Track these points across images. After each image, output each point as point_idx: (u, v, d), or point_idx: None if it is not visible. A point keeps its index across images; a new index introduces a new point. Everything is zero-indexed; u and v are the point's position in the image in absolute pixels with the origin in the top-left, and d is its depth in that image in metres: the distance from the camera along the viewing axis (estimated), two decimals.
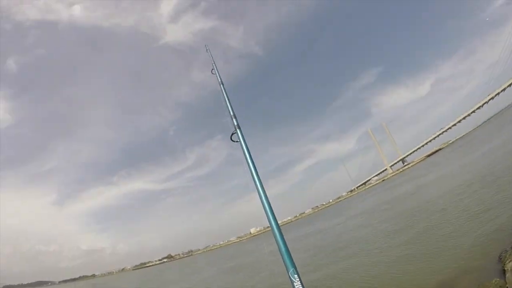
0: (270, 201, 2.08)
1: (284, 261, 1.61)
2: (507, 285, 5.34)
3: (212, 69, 3.88)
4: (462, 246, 9.46)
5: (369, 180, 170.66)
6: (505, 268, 6.20)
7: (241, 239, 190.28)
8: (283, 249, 1.64)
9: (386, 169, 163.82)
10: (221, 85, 3.45)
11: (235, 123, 2.64)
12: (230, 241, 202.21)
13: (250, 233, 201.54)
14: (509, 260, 6.23)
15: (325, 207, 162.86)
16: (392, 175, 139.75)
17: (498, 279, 5.99)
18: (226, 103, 3.08)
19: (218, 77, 3.68)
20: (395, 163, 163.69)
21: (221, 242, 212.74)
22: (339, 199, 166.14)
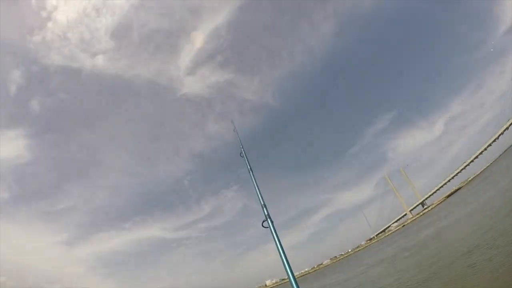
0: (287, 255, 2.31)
1: None
2: None
3: (241, 153, 3.94)
4: None
5: (388, 227, 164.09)
6: None
7: None
8: None
9: (405, 214, 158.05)
10: (250, 172, 3.48)
11: (266, 213, 3.07)
12: None
13: (266, 285, 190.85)
14: None
15: (344, 257, 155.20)
16: (412, 220, 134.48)
17: None
18: (257, 192, 3.23)
19: (246, 162, 3.70)
20: (415, 207, 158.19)
21: None
22: (358, 249, 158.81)
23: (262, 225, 2.73)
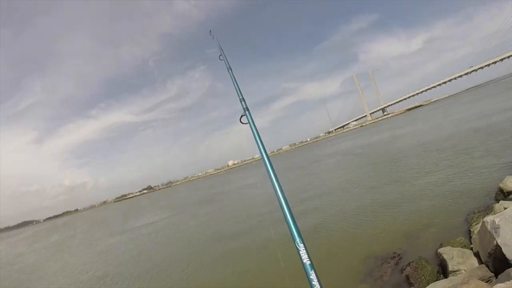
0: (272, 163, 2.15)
1: (290, 231, 1.67)
2: (471, 246, 5.65)
3: (220, 55, 4.00)
4: (430, 201, 9.88)
5: (347, 124, 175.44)
6: (471, 230, 6.52)
7: (218, 171, 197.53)
8: (290, 220, 1.69)
9: (365, 116, 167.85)
10: (230, 71, 3.61)
11: (244, 106, 2.77)
12: (208, 172, 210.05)
13: (228, 165, 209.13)
14: (476, 222, 6.54)
15: (303, 145, 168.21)
16: (371, 122, 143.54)
17: (463, 238, 6.30)
18: (235, 87, 3.25)
19: (226, 63, 3.79)
20: (376, 111, 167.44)
21: (200, 174, 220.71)
22: (317, 139, 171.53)
23: (240, 121, 2.32)
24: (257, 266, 9.33)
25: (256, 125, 2.64)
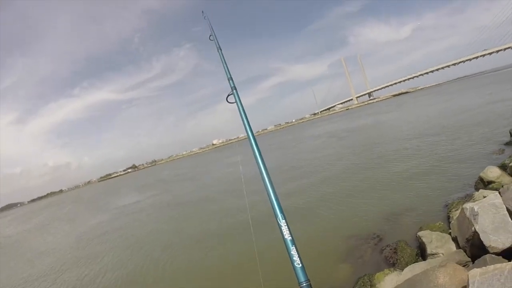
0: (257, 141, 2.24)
1: (273, 208, 1.70)
2: (450, 231, 5.77)
3: (210, 35, 3.98)
4: (411, 186, 10.04)
5: (333, 106, 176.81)
6: (450, 215, 6.67)
7: (203, 150, 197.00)
8: (272, 197, 1.72)
9: (351, 99, 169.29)
10: (219, 51, 3.63)
11: (232, 85, 2.67)
12: (193, 151, 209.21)
13: (213, 144, 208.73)
14: (455, 209, 6.69)
15: (288, 125, 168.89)
16: (357, 106, 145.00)
17: (442, 223, 6.45)
18: (224, 67, 3.26)
19: (216, 43, 3.80)
20: (362, 95, 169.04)
21: (184, 153, 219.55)
22: (302, 120, 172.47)
23: (227, 100, 2.21)
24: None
25: (242, 104, 2.56)
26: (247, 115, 2.51)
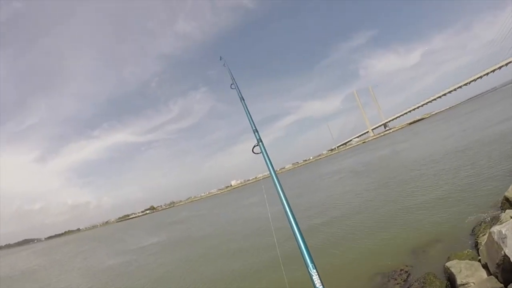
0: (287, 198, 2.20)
1: (303, 257, 1.69)
2: (479, 257, 5.60)
3: (232, 84, 4.05)
4: (435, 215, 9.89)
5: (350, 140, 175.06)
6: (478, 241, 6.48)
7: (222, 191, 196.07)
8: (302, 246, 1.73)
9: (367, 132, 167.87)
10: (242, 101, 3.69)
11: (258, 137, 2.94)
12: (211, 193, 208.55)
13: (231, 185, 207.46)
14: (482, 234, 6.49)
15: (306, 163, 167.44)
16: (373, 138, 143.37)
17: (470, 250, 6.29)
18: (248, 118, 3.39)
19: (238, 92, 3.87)
20: (377, 126, 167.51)
21: (203, 194, 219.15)
22: (319, 157, 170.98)
23: (253, 151, 2.54)
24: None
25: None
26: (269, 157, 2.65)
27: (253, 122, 3.30)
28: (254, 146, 2.83)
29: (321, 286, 1.59)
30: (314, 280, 1.61)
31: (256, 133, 3.03)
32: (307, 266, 1.67)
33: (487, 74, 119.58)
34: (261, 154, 2.75)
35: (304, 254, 1.71)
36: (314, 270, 1.64)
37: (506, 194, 7.74)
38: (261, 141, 2.87)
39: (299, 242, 1.78)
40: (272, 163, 2.70)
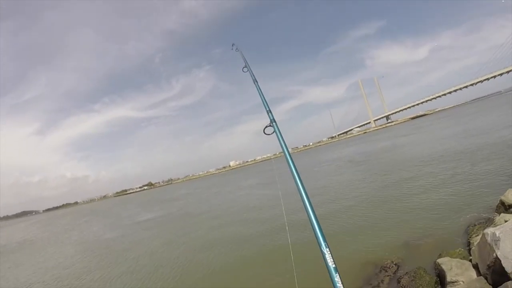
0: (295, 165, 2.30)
1: (316, 236, 1.73)
2: (470, 257, 5.67)
3: (244, 67, 4.10)
4: (430, 212, 9.97)
5: (351, 130, 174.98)
6: (470, 241, 6.57)
7: (220, 171, 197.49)
8: (315, 225, 1.76)
9: (369, 122, 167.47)
10: (256, 83, 3.73)
11: (271, 117, 2.89)
12: (209, 172, 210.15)
13: (230, 166, 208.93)
14: (476, 234, 6.58)
15: (306, 149, 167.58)
16: (375, 129, 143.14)
17: (462, 249, 6.35)
18: (262, 99, 3.38)
19: (252, 75, 3.92)
20: (380, 118, 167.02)
21: (201, 173, 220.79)
22: (319, 144, 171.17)
23: (264, 132, 2.50)
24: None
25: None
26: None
27: (267, 103, 3.26)
28: (266, 127, 2.78)
29: (333, 264, 1.64)
30: (327, 258, 1.66)
31: (270, 113, 2.98)
32: (320, 245, 1.72)
33: (494, 77, 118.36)
34: (273, 134, 2.72)
35: (317, 233, 1.76)
36: (327, 249, 1.69)
37: (502, 198, 7.83)
38: (275, 121, 2.83)
39: (312, 221, 1.82)
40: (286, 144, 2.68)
